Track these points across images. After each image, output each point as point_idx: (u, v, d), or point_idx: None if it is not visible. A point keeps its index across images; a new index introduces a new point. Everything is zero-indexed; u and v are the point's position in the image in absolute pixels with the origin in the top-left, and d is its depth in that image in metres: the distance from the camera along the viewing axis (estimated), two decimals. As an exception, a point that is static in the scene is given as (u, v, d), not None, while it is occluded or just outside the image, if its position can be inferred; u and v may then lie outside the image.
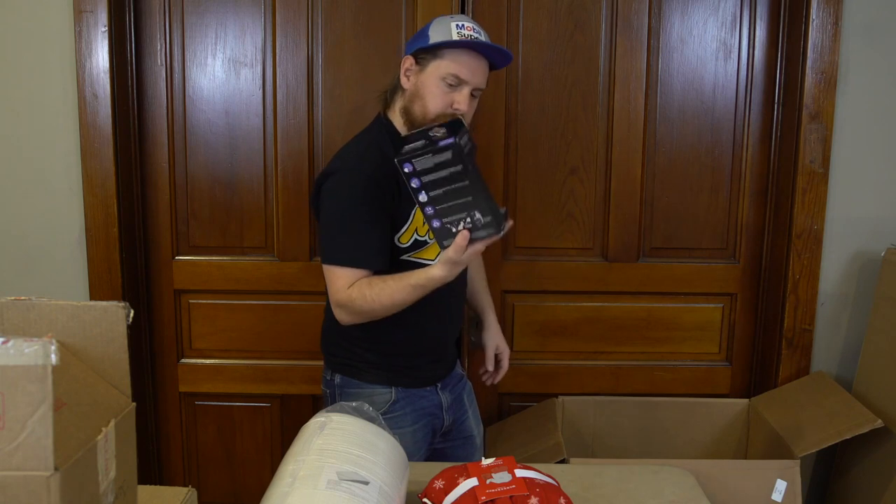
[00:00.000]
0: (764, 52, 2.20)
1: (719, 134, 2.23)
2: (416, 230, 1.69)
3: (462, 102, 1.63)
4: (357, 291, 1.62)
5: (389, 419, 1.71)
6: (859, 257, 2.18)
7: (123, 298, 2.07)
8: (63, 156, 2.12)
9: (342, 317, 1.66)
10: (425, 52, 1.64)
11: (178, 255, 2.27)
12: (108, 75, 2.07)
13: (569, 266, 2.27)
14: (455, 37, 1.61)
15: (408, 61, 1.67)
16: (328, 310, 1.79)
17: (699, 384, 2.33)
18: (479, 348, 1.98)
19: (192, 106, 2.19)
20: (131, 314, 0.91)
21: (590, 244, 2.27)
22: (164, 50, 2.18)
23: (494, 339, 1.96)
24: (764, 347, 2.30)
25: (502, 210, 1.47)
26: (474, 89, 1.65)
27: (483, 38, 1.65)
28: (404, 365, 1.77)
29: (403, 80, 1.68)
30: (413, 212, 1.68)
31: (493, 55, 1.67)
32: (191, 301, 2.29)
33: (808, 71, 2.09)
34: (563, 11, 2.17)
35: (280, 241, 2.25)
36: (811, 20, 2.07)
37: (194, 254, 2.27)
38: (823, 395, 2.07)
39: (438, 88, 1.63)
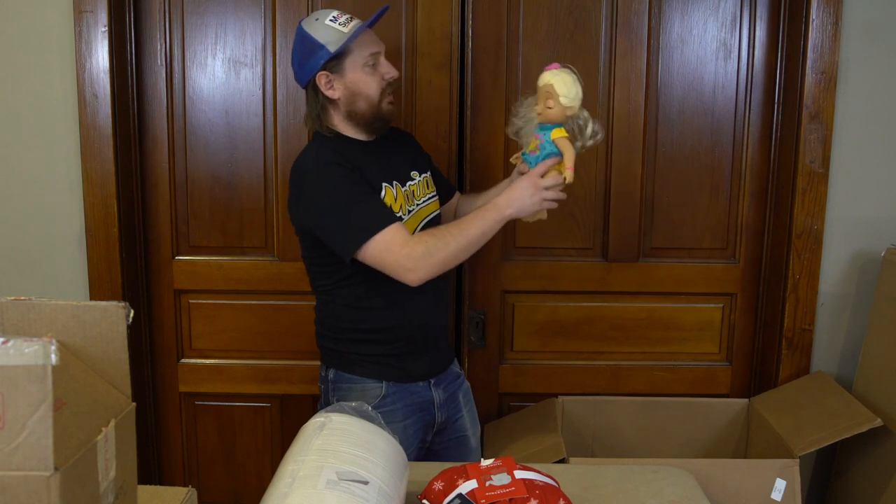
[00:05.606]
0: (764, 52, 2.20)
1: (719, 134, 2.22)
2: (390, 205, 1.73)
3: (389, 70, 1.75)
4: (422, 243, 1.62)
5: (380, 413, 1.73)
6: (859, 257, 2.18)
7: (123, 298, 2.07)
8: (63, 156, 2.12)
9: (420, 275, 1.63)
10: (334, 59, 1.71)
11: (178, 255, 2.27)
12: (108, 75, 2.07)
13: (569, 266, 2.27)
14: (347, 31, 1.70)
15: (323, 77, 1.73)
16: (319, 305, 1.84)
17: (699, 384, 2.33)
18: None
19: (192, 106, 2.19)
20: (131, 314, 0.91)
21: (590, 244, 2.27)
22: (164, 50, 2.18)
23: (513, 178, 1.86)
24: (764, 347, 2.30)
25: None
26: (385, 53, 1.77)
27: (354, 16, 1.74)
28: (392, 354, 1.79)
29: (330, 93, 1.74)
30: (383, 188, 1.73)
31: (375, 20, 1.76)
32: (191, 301, 2.29)
33: (808, 71, 2.09)
34: (563, 11, 2.16)
35: (280, 241, 2.25)
36: (811, 20, 2.06)
37: (194, 254, 2.27)
38: (823, 394, 2.07)
39: (366, 75, 1.73)
